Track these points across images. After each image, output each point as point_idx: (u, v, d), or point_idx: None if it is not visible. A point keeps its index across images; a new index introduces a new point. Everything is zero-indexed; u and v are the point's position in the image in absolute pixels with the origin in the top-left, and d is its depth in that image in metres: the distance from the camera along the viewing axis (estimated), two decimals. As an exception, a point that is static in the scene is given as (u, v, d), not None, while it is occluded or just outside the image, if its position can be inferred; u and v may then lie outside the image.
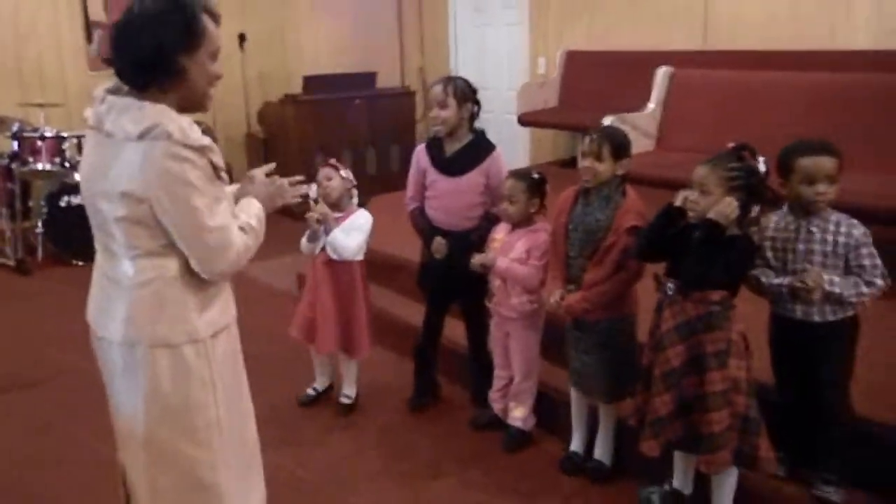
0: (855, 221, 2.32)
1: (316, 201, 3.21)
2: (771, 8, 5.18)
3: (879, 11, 4.69)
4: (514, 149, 7.29)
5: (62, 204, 5.43)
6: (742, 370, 2.33)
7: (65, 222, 5.38)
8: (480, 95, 3.19)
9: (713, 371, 2.31)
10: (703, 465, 2.39)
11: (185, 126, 1.73)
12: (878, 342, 2.59)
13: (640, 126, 4.70)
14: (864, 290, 2.27)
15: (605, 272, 2.64)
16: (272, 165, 2.21)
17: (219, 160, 1.79)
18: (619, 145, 2.68)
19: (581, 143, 2.73)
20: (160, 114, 1.72)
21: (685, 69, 4.91)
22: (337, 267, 3.24)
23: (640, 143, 4.70)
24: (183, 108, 1.80)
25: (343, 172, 3.24)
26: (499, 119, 7.56)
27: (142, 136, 1.70)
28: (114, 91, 1.81)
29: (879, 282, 2.27)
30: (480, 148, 3.11)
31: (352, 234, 3.20)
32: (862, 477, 2.43)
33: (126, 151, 1.72)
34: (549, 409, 3.10)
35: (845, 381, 2.40)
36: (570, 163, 6.70)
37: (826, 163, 2.29)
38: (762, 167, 2.31)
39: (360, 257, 3.27)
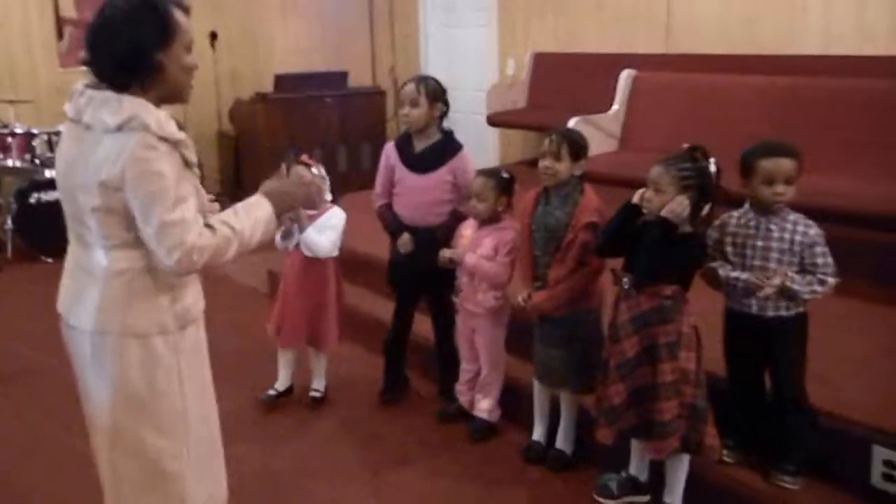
0: (811, 222, 2.45)
1: None
2: (730, 12, 5.34)
3: (828, 17, 4.87)
4: (483, 148, 7.38)
5: (32, 201, 5.41)
6: (692, 362, 2.45)
7: (34, 219, 5.36)
8: (450, 95, 3.30)
9: (664, 362, 2.42)
10: (653, 451, 2.52)
11: (162, 119, 1.78)
12: (826, 336, 2.71)
13: (604, 127, 4.83)
14: (818, 287, 2.40)
15: (566, 269, 2.75)
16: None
17: (191, 155, 1.84)
18: (577, 146, 2.80)
19: (542, 144, 2.84)
20: (138, 106, 1.77)
21: (648, 72, 5.04)
22: (310, 264, 3.32)
23: (605, 144, 4.83)
24: (163, 101, 1.86)
25: (315, 169, 3.29)
26: (468, 119, 7.64)
27: (120, 128, 1.75)
28: (93, 86, 1.85)
29: (831, 279, 2.40)
30: (448, 146, 3.21)
31: (325, 231, 3.26)
32: (814, 465, 2.54)
33: (104, 143, 1.77)
34: (514, 401, 3.20)
35: (801, 374, 2.51)
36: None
37: (785, 164, 2.40)
38: (713, 167, 2.42)
39: (335, 254, 3.35)
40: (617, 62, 5.34)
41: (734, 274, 2.47)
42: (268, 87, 6.99)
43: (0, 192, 5.71)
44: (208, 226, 1.85)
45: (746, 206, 2.52)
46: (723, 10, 5.37)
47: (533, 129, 6.66)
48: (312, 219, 3.27)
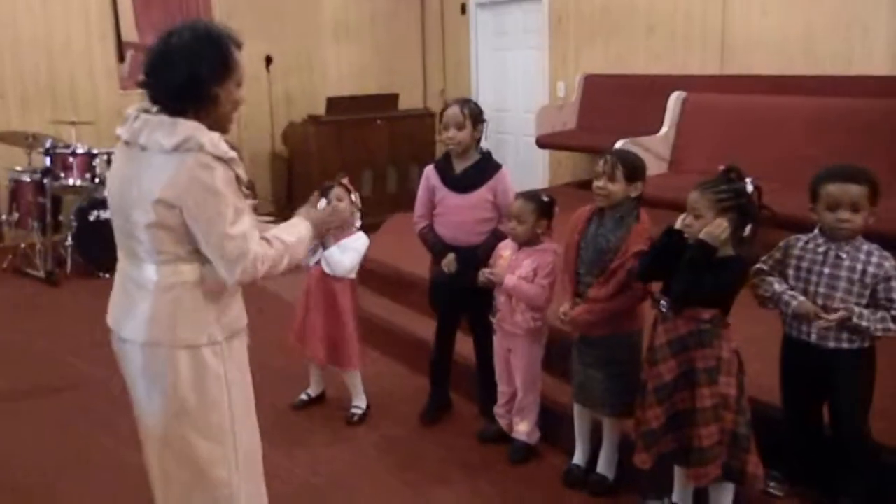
0: (887, 254, 2.32)
1: None
2: (787, 32, 5.25)
3: (891, 37, 4.73)
4: (532, 170, 7.40)
5: (91, 218, 5.61)
6: (732, 387, 2.38)
7: (93, 236, 5.54)
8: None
9: (703, 387, 2.37)
10: (692, 478, 2.45)
11: (215, 139, 1.88)
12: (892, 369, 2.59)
13: (653, 149, 4.78)
14: (892, 325, 2.26)
15: (609, 291, 2.71)
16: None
17: (242, 173, 1.93)
18: (632, 167, 2.74)
19: (596, 164, 2.81)
20: (193, 128, 1.87)
21: (697, 93, 4.97)
22: (328, 281, 3.39)
23: (654, 166, 4.77)
24: (212, 124, 1.94)
25: (353, 196, 3.36)
26: (518, 140, 7.69)
27: (176, 148, 1.85)
28: (146, 109, 1.95)
29: None
30: (488, 166, 3.25)
31: (347, 252, 3.35)
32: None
33: (159, 162, 1.87)
34: (555, 423, 3.17)
35: (862, 410, 2.38)
36: (588, 184, 6.73)
37: (851, 190, 2.27)
38: (749, 187, 2.36)
39: (352, 275, 3.42)
40: (668, 84, 5.30)
41: (791, 292, 2.37)
42: (320, 109, 7.12)
43: (61, 209, 5.91)
44: (264, 239, 1.98)
45: (816, 231, 2.41)
46: (779, 30, 5.29)
47: (582, 150, 6.65)
48: (338, 239, 3.35)
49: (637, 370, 2.70)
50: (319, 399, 3.72)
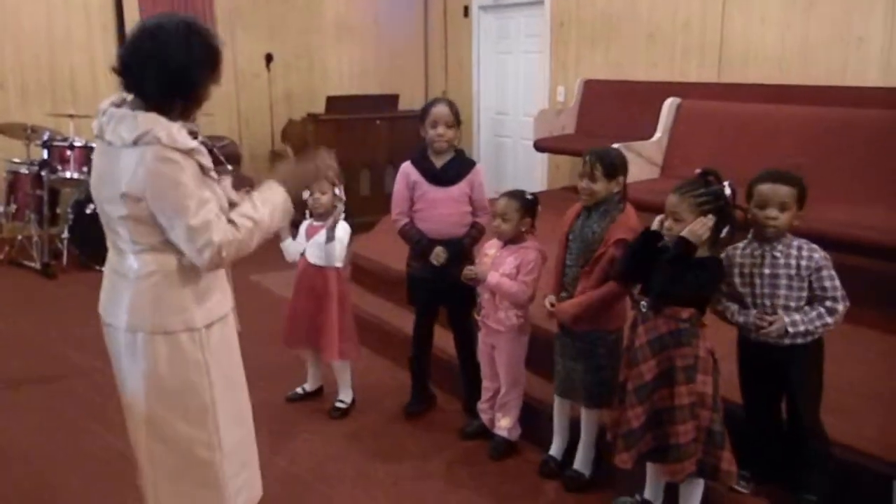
0: (815, 246, 2.42)
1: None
2: (784, 43, 5.28)
3: (889, 48, 4.77)
4: (530, 173, 7.43)
5: (88, 211, 5.64)
6: (708, 386, 2.42)
7: (90, 229, 5.55)
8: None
9: (681, 385, 2.40)
10: (668, 474, 2.49)
11: (173, 131, 1.90)
12: (844, 367, 2.65)
13: (646, 154, 4.81)
14: (829, 319, 2.36)
15: (592, 282, 2.76)
16: (286, 148, 2.35)
17: (206, 161, 1.96)
18: (610, 165, 2.79)
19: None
20: (151, 121, 1.90)
21: (691, 100, 5.00)
22: (314, 271, 3.45)
23: (646, 171, 4.81)
24: (175, 116, 1.97)
25: (337, 190, 3.41)
26: (516, 144, 7.72)
27: (136, 142, 1.88)
28: (117, 104, 1.99)
29: (840, 307, 2.36)
30: (465, 161, 3.35)
31: (332, 242, 3.39)
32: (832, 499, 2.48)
33: (124, 157, 1.91)
34: (535, 420, 3.19)
35: (816, 402, 2.46)
36: (585, 189, 6.82)
37: (780, 190, 2.37)
38: (728, 190, 2.40)
39: (339, 265, 3.46)
40: (666, 91, 5.32)
41: (740, 319, 2.46)
42: (320, 108, 7.16)
43: (58, 202, 5.96)
44: (230, 221, 1.98)
45: (750, 235, 2.49)
46: (777, 40, 5.32)
47: (579, 155, 6.63)
48: (319, 229, 3.40)
49: (615, 367, 2.73)
50: (316, 394, 3.75)
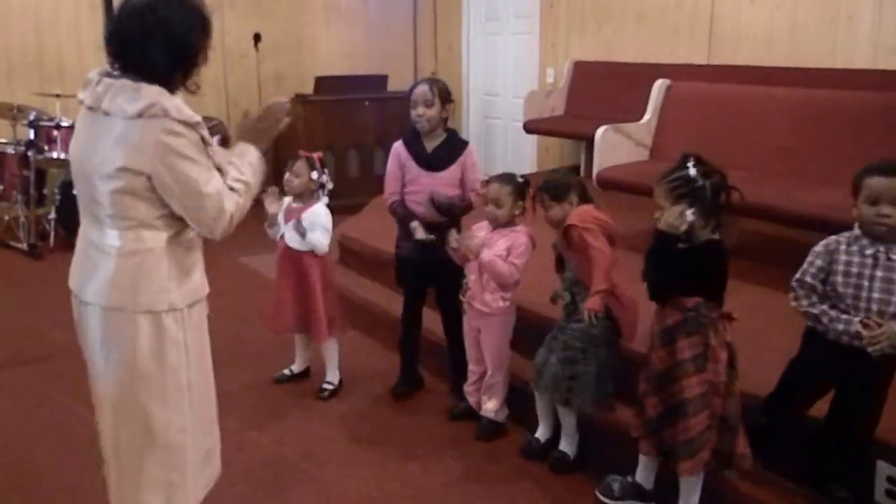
0: None
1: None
2: (774, 24, 5.27)
3: (878, 28, 4.77)
4: (520, 155, 7.43)
5: (75, 192, 5.58)
6: (721, 374, 2.37)
7: (77, 210, 5.51)
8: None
9: (691, 376, 2.37)
10: (684, 471, 2.43)
11: (179, 104, 1.90)
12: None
13: (634, 136, 4.80)
14: None
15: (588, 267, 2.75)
16: (247, 109, 2.33)
17: (207, 134, 1.95)
18: (555, 191, 2.85)
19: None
20: (157, 94, 1.88)
21: (681, 82, 4.99)
22: (294, 254, 3.43)
23: (634, 153, 4.80)
24: (177, 89, 1.97)
25: (315, 173, 3.38)
26: (506, 125, 7.70)
27: (140, 115, 1.85)
28: (108, 73, 1.95)
29: None
30: (457, 143, 3.31)
31: (316, 230, 3.37)
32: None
33: (123, 128, 1.87)
34: (522, 402, 3.20)
35: (880, 406, 2.35)
36: (575, 171, 6.82)
37: (895, 184, 2.15)
38: (691, 171, 2.31)
39: (325, 252, 3.46)
40: (656, 72, 5.29)
41: (839, 327, 2.24)
42: (309, 88, 7.10)
43: (45, 182, 5.90)
44: (230, 189, 1.99)
45: (856, 231, 2.27)
46: (767, 22, 5.30)
47: (567, 136, 6.67)
48: (300, 211, 3.39)
49: (607, 376, 2.78)
50: (303, 375, 3.74)
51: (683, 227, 2.29)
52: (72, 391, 3.52)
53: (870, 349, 2.17)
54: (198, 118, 1.93)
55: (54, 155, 5.65)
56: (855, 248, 2.26)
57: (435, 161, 3.24)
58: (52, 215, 5.74)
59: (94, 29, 6.55)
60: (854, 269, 2.24)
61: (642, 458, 2.68)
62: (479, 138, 7.87)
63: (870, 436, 2.37)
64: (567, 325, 2.86)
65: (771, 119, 4.39)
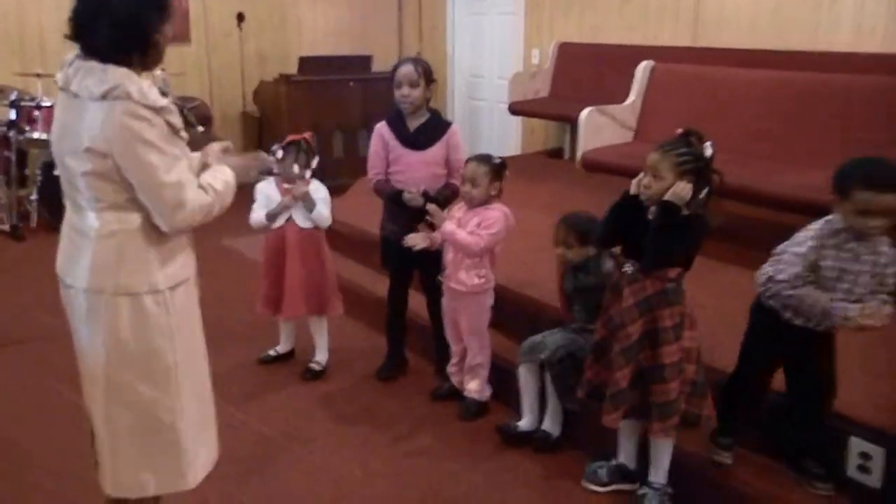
0: (886, 238, 2.28)
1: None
2: (758, 6, 5.29)
3: (860, 11, 4.81)
4: (505, 136, 7.42)
5: (56, 173, 5.53)
6: (695, 340, 2.50)
7: (58, 190, 5.44)
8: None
9: (670, 344, 2.45)
10: (656, 432, 2.52)
11: (144, 87, 1.87)
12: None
13: (619, 117, 4.82)
14: (887, 311, 2.25)
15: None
16: (229, 143, 2.30)
17: (175, 120, 1.93)
18: (583, 233, 2.88)
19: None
20: (122, 76, 1.86)
21: (664, 63, 5.01)
22: (307, 236, 3.44)
23: (619, 135, 4.83)
24: (143, 68, 1.95)
25: (304, 156, 3.38)
26: (492, 107, 7.69)
27: (104, 96, 1.84)
28: (82, 56, 1.93)
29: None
30: (440, 123, 3.32)
31: (319, 204, 3.42)
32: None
33: (90, 110, 1.86)
34: (506, 381, 3.23)
35: (834, 379, 2.44)
36: (559, 153, 6.84)
37: (887, 200, 2.16)
38: (708, 151, 2.39)
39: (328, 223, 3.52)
40: (640, 54, 5.30)
41: (852, 314, 2.25)
42: (293, 69, 7.05)
43: (26, 163, 5.85)
44: (200, 186, 1.98)
45: (838, 222, 2.29)
46: (751, 5, 5.33)
47: (552, 118, 6.67)
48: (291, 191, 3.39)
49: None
50: (288, 356, 3.77)
51: (686, 200, 2.36)
52: (57, 373, 3.52)
53: (863, 324, 2.24)
54: (163, 103, 1.90)
55: (36, 135, 5.58)
56: (841, 240, 2.29)
57: (418, 140, 3.25)
58: (35, 196, 5.70)
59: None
60: (839, 264, 2.30)
61: (622, 438, 2.73)
62: (465, 120, 7.87)
63: (829, 409, 2.46)
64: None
65: (753, 101, 4.42)
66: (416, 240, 3.07)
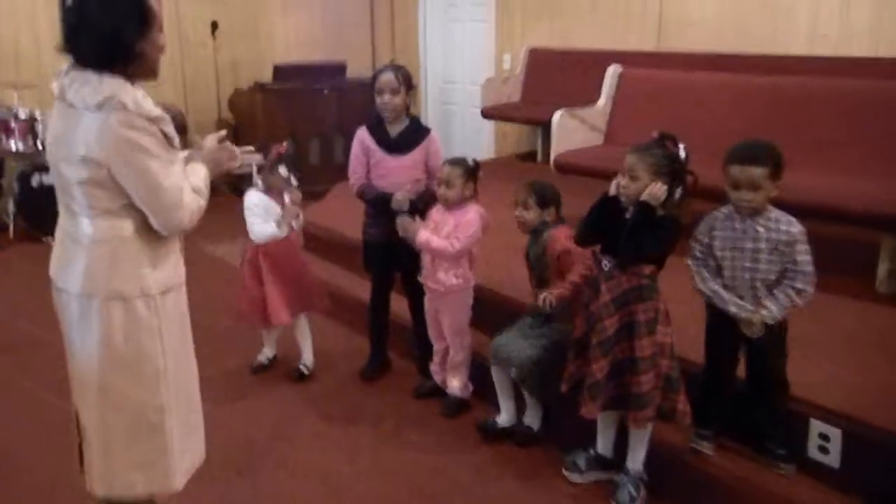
0: (793, 219, 2.48)
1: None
2: (720, 13, 5.49)
3: (815, 18, 5.04)
4: (478, 141, 7.53)
5: (34, 183, 5.57)
6: (668, 336, 2.61)
7: (36, 201, 5.51)
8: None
9: (644, 338, 2.56)
10: (631, 421, 2.65)
11: (139, 98, 1.94)
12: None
13: (589, 120, 4.94)
14: (798, 301, 2.45)
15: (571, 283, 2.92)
16: (223, 133, 2.35)
17: (170, 130, 1.99)
18: (542, 196, 3.00)
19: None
20: (117, 86, 1.92)
21: (634, 68, 5.15)
22: (284, 243, 3.51)
23: (590, 137, 4.95)
24: (137, 79, 2.00)
25: (283, 169, 3.46)
26: (464, 112, 7.81)
27: (100, 107, 1.90)
28: (77, 66, 1.98)
29: (809, 289, 2.45)
30: (420, 129, 3.42)
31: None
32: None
33: (86, 120, 1.92)
34: (487, 378, 3.30)
35: (785, 360, 2.58)
36: (532, 156, 6.97)
37: (751, 171, 2.41)
38: (682, 154, 2.54)
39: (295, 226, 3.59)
40: (609, 59, 5.44)
41: (733, 310, 2.50)
42: (267, 76, 7.11)
43: (3, 174, 5.86)
44: (195, 190, 2.05)
45: (731, 207, 2.54)
46: (713, 11, 5.52)
47: (524, 122, 6.80)
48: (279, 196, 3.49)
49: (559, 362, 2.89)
50: (274, 361, 3.83)
51: (661, 200, 2.49)
52: (40, 380, 3.56)
53: (747, 333, 2.50)
54: (157, 112, 1.95)
55: (12, 146, 5.61)
56: (728, 222, 2.54)
57: (399, 145, 3.35)
58: (12, 207, 5.70)
59: (49, 17, 6.46)
60: (728, 243, 2.53)
61: (600, 428, 2.85)
62: (438, 124, 7.96)
63: (782, 403, 2.60)
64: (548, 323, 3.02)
65: (717, 104, 4.57)
66: (409, 224, 3.13)
